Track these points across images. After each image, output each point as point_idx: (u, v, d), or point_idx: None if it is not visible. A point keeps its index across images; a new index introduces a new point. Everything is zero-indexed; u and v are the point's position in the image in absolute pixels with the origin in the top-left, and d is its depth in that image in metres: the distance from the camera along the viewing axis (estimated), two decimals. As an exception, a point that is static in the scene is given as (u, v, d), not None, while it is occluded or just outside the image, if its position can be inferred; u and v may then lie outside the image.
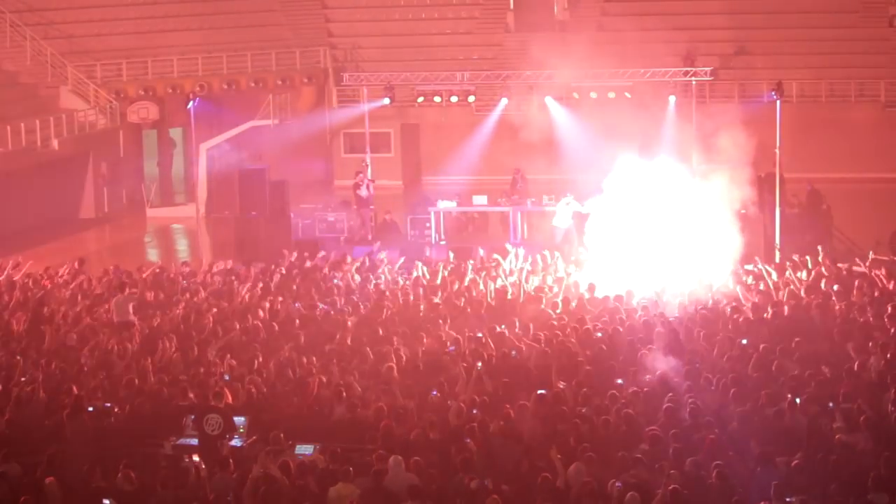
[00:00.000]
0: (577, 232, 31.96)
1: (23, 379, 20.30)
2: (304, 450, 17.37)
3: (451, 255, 29.34)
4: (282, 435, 17.45)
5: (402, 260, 29.35)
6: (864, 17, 46.20)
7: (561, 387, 19.45)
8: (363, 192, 36.14)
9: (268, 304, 24.91)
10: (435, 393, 19.51)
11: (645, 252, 27.47)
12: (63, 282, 27.47)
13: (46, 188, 40.06)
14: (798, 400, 18.54)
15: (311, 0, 49.18)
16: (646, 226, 28.15)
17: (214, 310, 24.68)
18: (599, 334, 22.33)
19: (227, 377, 20.34)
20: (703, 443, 17.17)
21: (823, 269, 26.60)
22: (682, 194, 28.60)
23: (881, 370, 20.13)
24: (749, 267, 27.43)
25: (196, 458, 17.37)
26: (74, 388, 19.57)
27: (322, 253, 30.05)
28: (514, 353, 21.48)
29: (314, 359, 21.26)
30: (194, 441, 18.07)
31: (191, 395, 19.37)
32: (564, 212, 33.05)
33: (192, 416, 18.31)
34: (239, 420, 18.29)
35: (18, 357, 21.52)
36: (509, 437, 17.47)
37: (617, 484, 15.79)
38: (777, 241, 31.11)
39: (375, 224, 36.00)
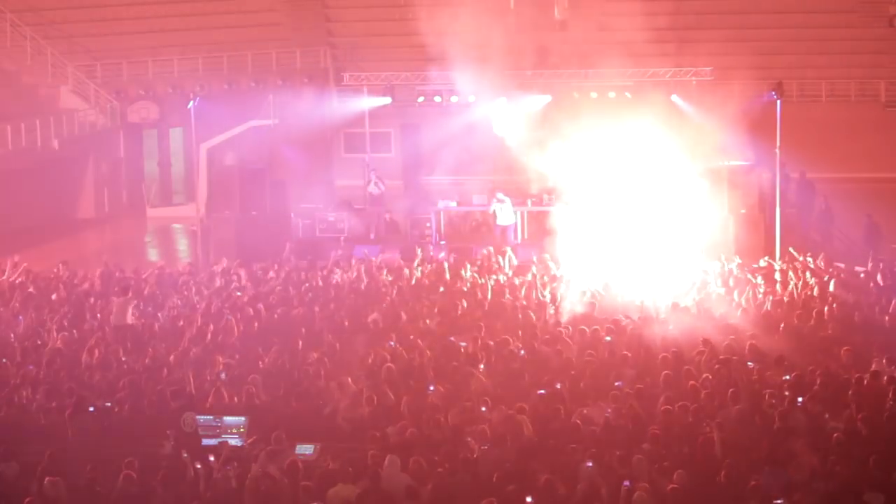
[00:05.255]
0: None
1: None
2: (304, 450, 17.35)
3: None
4: (282, 435, 17.46)
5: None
6: (864, 17, 46.18)
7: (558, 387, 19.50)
8: (373, 189, 36.31)
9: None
10: (432, 388, 19.56)
11: (626, 254, 27.55)
12: (59, 282, 27.55)
13: (46, 188, 40.05)
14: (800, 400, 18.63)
15: (311, 0, 49.16)
16: (628, 227, 28.29)
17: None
18: (608, 338, 22.43)
19: (223, 376, 20.36)
20: (705, 442, 17.19)
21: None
22: (676, 194, 28.68)
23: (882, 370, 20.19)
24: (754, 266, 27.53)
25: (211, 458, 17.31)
26: (75, 388, 19.60)
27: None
28: (522, 352, 21.53)
29: (314, 358, 21.33)
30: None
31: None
32: (503, 209, 33.43)
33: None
34: (239, 420, 18.27)
35: (5, 361, 21.55)
36: (511, 438, 17.49)
37: (625, 483, 15.78)
38: (777, 240, 31.15)
39: (380, 223, 36.04)
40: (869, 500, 15.49)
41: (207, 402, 19.31)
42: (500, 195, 33.87)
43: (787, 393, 18.97)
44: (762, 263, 27.99)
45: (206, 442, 17.83)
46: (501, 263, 28.47)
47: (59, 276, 28.09)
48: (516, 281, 27.08)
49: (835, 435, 17.17)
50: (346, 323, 23.99)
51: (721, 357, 20.82)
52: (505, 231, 33.73)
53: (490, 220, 34.32)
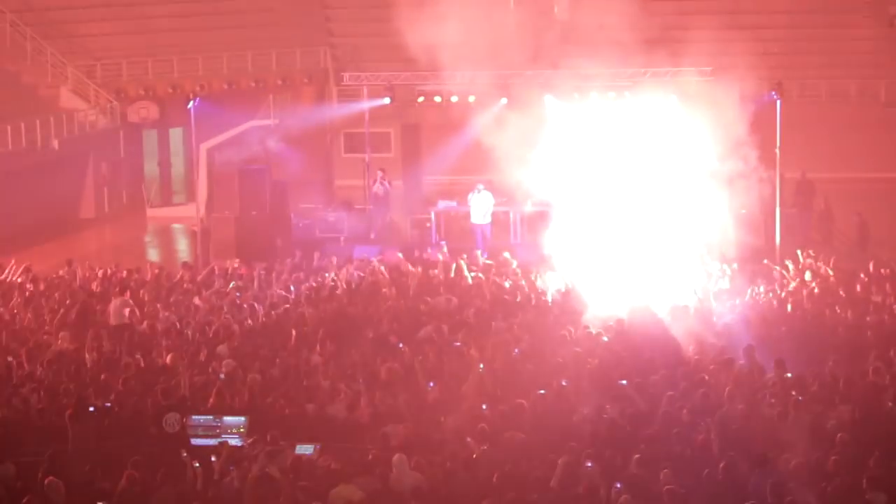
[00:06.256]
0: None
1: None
2: (304, 450, 17.36)
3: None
4: (280, 435, 17.46)
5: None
6: (865, 17, 46.20)
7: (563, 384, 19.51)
8: (378, 189, 36.36)
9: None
10: (432, 385, 19.58)
11: (626, 255, 27.52)
12: (62, 282, 27.60)
13: (46, 188, 40.05)
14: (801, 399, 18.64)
15: (311, 0, 49.16)
16: (628, 227, 28.26)
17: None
18: (605, 338, 22.41)
19: (222, 376, 20.37)
20: (702, 443, 17.21)
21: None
22: (675, 195, 28.66)
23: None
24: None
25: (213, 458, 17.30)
26: (75, 388, 19.60)
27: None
28: (516, 350, 21.53)
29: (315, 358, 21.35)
30: (197, 441, 18.05)
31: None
32: (479, 205, 33.36)
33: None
34: (239, 420, 18.29)
35: (10, 359, 21.56)
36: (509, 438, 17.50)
37: (617, 485, 15.77)
38: (777, 240, 31.17)
39: (380, 223, 36.07)
40: (871, 500, 15.48)
41: (208, 403, 19.32)
42: (479, 186, 33.84)
43: (792, 392, 18.96)
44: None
45: (206, 442, 17.84)
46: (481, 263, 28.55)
47: (63, 275, 28.15)
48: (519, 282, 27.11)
49: (838, 435, 17.15)
50: (348, 323, 24.01)
51: (720, 357, 20.82)
52: (483, 231, 33.59)
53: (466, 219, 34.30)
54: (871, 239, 31.78)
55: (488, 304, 25.14)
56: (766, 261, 28.77)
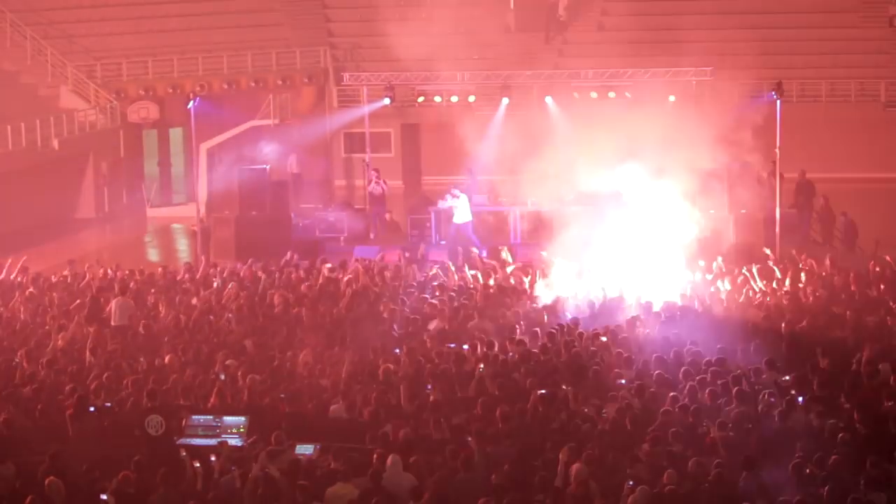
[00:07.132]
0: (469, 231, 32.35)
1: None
2: (304, 450, 17.35)
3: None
4: (282, 435, 17.46)
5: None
6: (865, 17, 46.19)
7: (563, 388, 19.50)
8: (374, 188, 36.34)
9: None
10: (429, 387, 19.58)
11: (625, 254, 27.53)
12: (62, 282, 27.62)
13: (46, 188, 40.06)
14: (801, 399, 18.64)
15: (311, 0, 49.17)
16: (627, 227, 28.29)
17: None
18: (604, 338, 22.40)
19: (222, 376, 20.36)
20: (703, 443, 17.21)
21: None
22: (675, 195, 28.70)
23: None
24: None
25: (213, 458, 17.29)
26: (75, 388, 19.59)
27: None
28: (510, 354, 21.54)
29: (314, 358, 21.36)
30: (197, 441, 18.05)
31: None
32: (460, 207, 33.35)
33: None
34: (239, 420, 18.29)
35: (16, 362, 21.57)
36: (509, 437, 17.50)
37: (629, 483, 15.77)
38: (777, 240, 31.17)
39: (380, 223, 36.05)
40: (873, 500, 15.48)
41: (207, 403, 19.32)
42: (455, 191, 33.83)
43: (792, 392, 18.97)
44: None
45: (205, 442, 17.83)
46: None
47: (66, 275, 28.17)
48: (512, 281, 27.11)
49: (840, 435, 17.15)
50: (349, 324, 24.01)
51: (719, 357, 20.81)
52: (460, 229, 33.53)
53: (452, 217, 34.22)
54: (859, 238, 31.80)
55: (487, 305, 25.15)
56: (766, 251, 28.79)
